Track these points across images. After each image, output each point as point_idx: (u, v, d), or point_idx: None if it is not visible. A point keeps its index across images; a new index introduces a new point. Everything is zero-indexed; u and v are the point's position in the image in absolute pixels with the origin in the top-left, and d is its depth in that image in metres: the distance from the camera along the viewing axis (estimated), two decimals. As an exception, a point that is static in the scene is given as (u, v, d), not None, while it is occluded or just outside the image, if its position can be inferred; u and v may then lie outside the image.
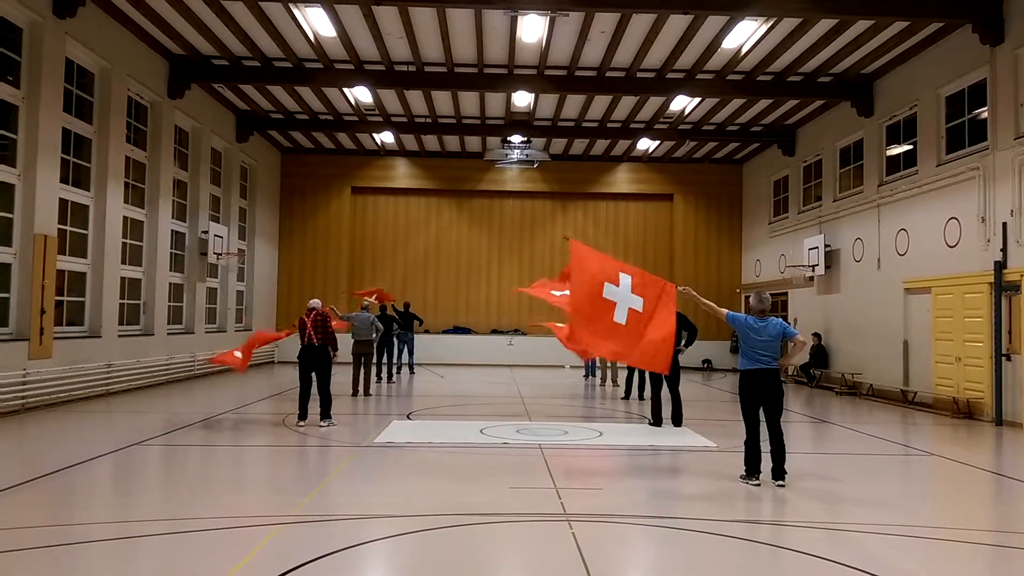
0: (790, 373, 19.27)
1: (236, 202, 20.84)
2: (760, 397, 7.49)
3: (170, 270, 17.05)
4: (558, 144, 23.16)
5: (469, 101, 19.18)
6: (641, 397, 14.79)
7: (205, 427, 10.76)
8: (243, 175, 21.74)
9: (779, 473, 7.40)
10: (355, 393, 14.44)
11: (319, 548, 5.17)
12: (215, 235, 18.58)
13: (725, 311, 7.89)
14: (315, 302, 11.14)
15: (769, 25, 13.97)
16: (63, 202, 13.02)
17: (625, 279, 8.61)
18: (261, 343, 13.00)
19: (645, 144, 22.57)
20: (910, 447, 10.40)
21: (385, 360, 17.65)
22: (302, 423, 10.62)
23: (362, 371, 14.55)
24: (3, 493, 6.61)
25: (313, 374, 10.76)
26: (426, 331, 23.75)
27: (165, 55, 16.02)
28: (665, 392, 11.39)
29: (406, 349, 19.55)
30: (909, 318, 15.17)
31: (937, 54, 14.40)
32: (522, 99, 18.41)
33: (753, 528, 6.11)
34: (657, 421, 11.25)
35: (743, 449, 7.62)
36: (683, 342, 11.65)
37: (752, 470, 7.48)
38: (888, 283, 15.87)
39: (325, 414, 10.65)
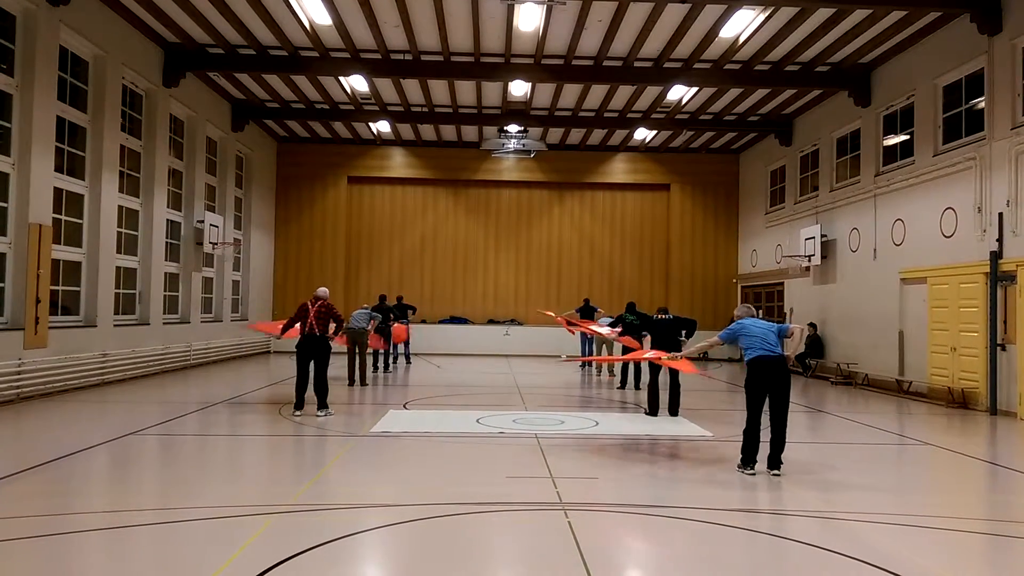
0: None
1: (232, 191, 20.77)
2: (769, 384, 7.49)
3: (165, 260, 17.02)
4: (555, 134, 23.12)
5: (466, 90, 19.11)
6: (637, 387, 14.83)
7: (200, 416, 10.76)
8: (239, 164, 21.66)
9: (775, 462, 7.42)
10: (351, 383, 14.45)
11: (315, 537, 5.18)
12: (211, 224, 18.53)
13: (715, 337, 7.99)
14: (323, 291, 11.10)
15: (767, 14, 13.92)
16: (58, 191, 12.96)
17: None
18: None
19: (642, 134, 22.54)
20: (905, 436, 10.43)
21: (382, 350, 17.63)
22: (298, 413, 10.61)
23: (357, 360, 14.56)
24: (-2, 482, 6.61)
25: (311, 364, 10.74)
26: (423, 321, 23.76)
27: (160, 43, 15.92)
28: (663, 380, 11.42)
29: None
30: (905, 308, 15.19)
31: (934, 44, 14.37)
32: (519, 88, 18.34)
33: (749, 517, 6.13)
34: (653, 410, 11.27)
35: (740, 438, 7.64)
36: (683, 333, 11.70)
37: (748, 459, 7.49)
38: (884, 273, 15.88)
39: (322, 404, 10.65)
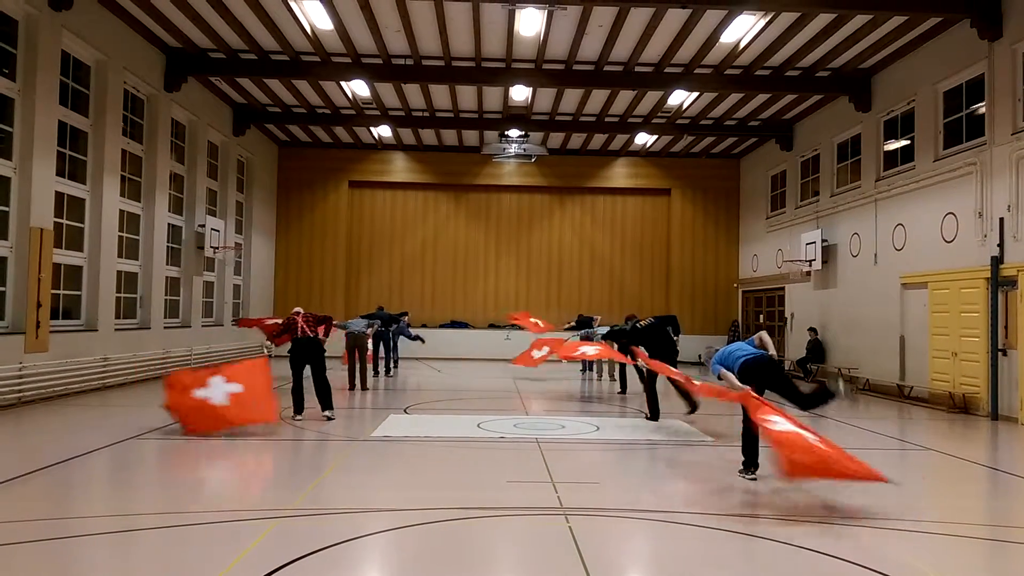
0: (786, 369, 19.32)
1: (233, 196, 20.79)
2: (762, 380, 7.51)
3: (167, 264, 17.02)
4: (556, 138, 23.15)
5: (467, 95, 19.14)
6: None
7: (202, 421, 10.73)
8: (240, 169, 21.69)
9: None
10: (352, 387, 14.44)
11: (317, 542, 5.17)
12: (212, 229, 18.54)
13: (722, 372, 7.77)
14: (298, 310, 11.27)
15: (767, 19, 13.95)
16: (59, 195, 12.97)
17: None
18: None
19: (643, 138, 22.56)
20: (906, 442, 10.42)
21: (383, 354, 17.64)
22: (299, 417, 10.61)
23: (358, 365, 14.56)
24: (0, 486, 6.60)
25: (308, 366, 10.74)
26: (423, 325, 23.75)
27: (161, 48, 15.95)
28: (662, 385, 11.43)
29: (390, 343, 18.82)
30: (906, 313, 15.19)
31: (935, 49, 14.39)
32: (520, 93, 18.37)
33: (749, 522, 6.12)
34: (654, 415, 11.26)
35: (740, 442, 7.63)
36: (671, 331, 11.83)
37: (750, 463, 7.49)
38: (885, 278, 15.88)
39: (327, 404, 10.64)
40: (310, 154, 24.50)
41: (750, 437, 7.51)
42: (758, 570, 5.09)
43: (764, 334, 8.02)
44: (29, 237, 11.77)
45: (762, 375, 7.55)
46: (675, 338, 11.79)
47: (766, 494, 6.97)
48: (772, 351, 7.86)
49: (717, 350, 8.42)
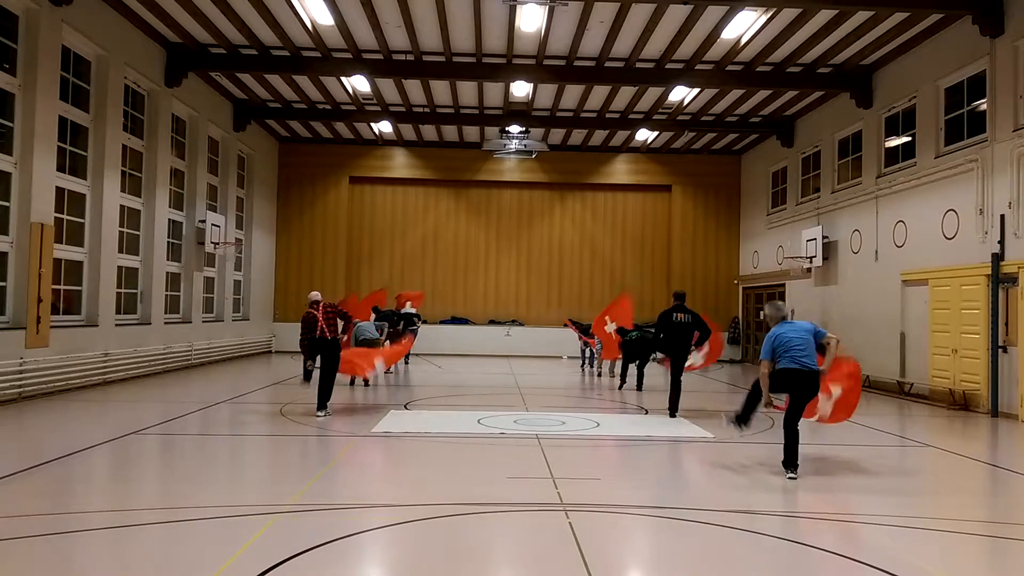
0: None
1: (233, 191, 20.78)
2: (795, 393, 7.36)
3: (167, 259, 17.02)
4: (556, 134, 23.12)
5: (467, 91, 19.11)
6: (639, 388, 14.81)
7: (202, 416, 10.77)
8: (240, 164, 21.67)
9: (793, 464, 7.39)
10: (352, 383, 14.44)
11: (316, 537, 5.18)
12: (212, 224, 18.54)
13: (763, 369, 7.43)
14: (316, 294, 11.09)
15: (769, 15, 13.93)
16: (60, 190, 12.96)
17: None
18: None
19: (644, 135, 22.54)
20: (906, 438, 10.43)
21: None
22: (307, 383, 10.54)
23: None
24: (1, 482, 6.61)
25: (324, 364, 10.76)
26: (424, 321, 23.74)
27: (162, 43, 15.93)
28: (660, 383, 11.45)
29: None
30: (906, 310, 15.19)
31: (937, 45, 14.37)
32: (520, 89, 18.34)
33: (750, 518, 6.12)
34: (673, 408, 11.27)
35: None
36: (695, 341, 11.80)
37: (743, 419, 7.59)
38: (885, 275, 15.88)
39: (321, 405, 10.62)
40: (311, 150, 24.48)
41: (752, 398, 7.59)
42: (759, 567, 5.09)
43: (840, 344, 7.62)
44: (30, 232, 11.76)
45: (798, 386, 7.33)
46: (693, 346, 11.82)
47: (765, 491, 6.97)
48: (827, 365, 7.47)
49: (784, 317, 7.68)
